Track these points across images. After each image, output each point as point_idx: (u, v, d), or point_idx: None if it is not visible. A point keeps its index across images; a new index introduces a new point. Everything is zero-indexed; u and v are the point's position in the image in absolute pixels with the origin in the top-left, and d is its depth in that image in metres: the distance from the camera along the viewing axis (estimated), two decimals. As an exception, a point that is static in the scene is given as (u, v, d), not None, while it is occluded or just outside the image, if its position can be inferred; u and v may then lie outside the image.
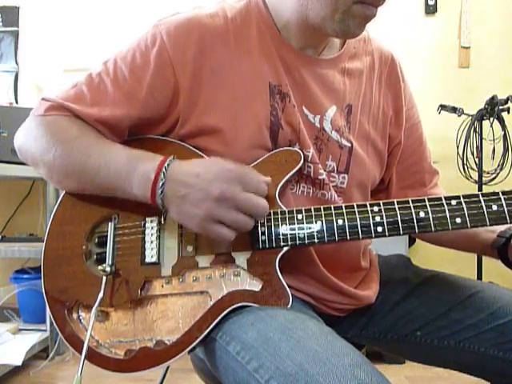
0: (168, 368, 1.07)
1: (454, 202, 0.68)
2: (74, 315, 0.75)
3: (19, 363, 1.83)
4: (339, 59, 0.83)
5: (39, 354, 2.07)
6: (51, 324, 2.05)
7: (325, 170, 0.81)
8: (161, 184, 0.67)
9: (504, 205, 0.67)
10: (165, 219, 0.74)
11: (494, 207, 0.67)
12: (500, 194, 0.68)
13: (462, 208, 0.67)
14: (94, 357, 0.71)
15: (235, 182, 0.65)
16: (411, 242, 2.12)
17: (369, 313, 0.88)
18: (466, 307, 0.82)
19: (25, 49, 2.77)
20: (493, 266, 0.85)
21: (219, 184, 0.64)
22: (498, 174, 2.15)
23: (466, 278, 0.89)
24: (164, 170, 0.67)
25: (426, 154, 0.96)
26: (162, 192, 0.67)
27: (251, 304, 0.69)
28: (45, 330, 2.10)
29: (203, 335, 0.68)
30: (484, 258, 0.85)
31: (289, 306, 0.68)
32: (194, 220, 0.66)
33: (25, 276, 2.20)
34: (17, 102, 2.67)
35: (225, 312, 0.69)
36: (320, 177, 0.79)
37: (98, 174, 0.72)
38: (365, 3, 0.71)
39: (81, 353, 0.69)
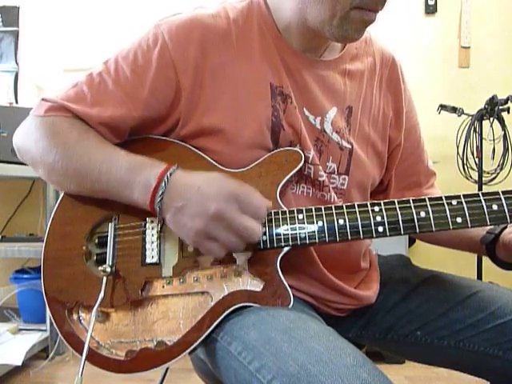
0: (168, 368, 1.07)
1: (454, 202, 0.68)
2: (75, 316, 0.75)
3: (19, 363, 1.83)
4: (340, 60, 0.83)
5: (39, 353, 2.07)
6: (51, 324, 2.05)
7: (325, 172, 0.81)
8: (161, 192, 0.67)
9: (504, 204, 0.67)
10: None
11: (495, 207, 0.67)
12: (500, 193, 0.68)
13: (463, 208, 0.67)
14: (95, 357, 0.71)
15: (234, 201, 0.64)
16: (411, 242, 2.12)
17: (369, 313, 0.88)
18: (466, 307, 0.82)
19: (25, 49, 2.77)
20: (493, 266, 0.85)
21: (217, 202, 0.64)
22: (498, 174, 2.15)
23: (466, 278, 0.89)
24: (166, 178, 0.67)
25: (424, 155, 0.96)
26: (160, 200, 0.67)
27: (252, 304, 0.69)
28: (45, 330, 2.10)
29: (204, 336, 0.68)
30: (484, 258, 0.86)
31: (290, 306, 0.68)
32: (187, 232, 0.66)
33: (25, 276, 2.20)
34: (17, 102, 2.67)
35: (226, 312, 0.69)
36: (320, 178, 0.80)
37: (99, 179, 0.71)
38: (363, 9, 0.70)
39: (81, 354, 0.69)
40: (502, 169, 2.15)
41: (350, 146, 0.82)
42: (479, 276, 2.12)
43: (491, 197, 0.68)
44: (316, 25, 0.74)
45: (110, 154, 0.73)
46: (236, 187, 0.66)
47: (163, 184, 0.67)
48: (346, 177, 0.83)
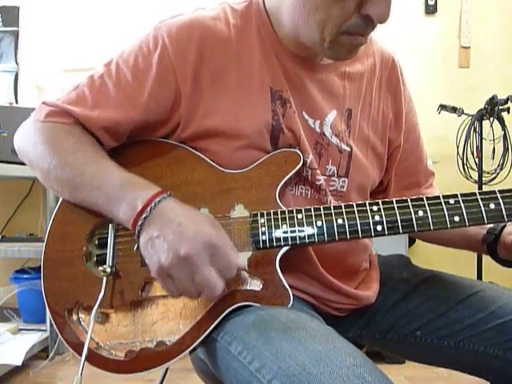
0: (168, 368, 1.07)
1: (452, 201, 0.68)
2: (74, 317, 0.75)
3: (19, 363, 1.83)
4: (339, 63, 0.83)
5: (39, 353, 2.07)
6: (51, 324, 2.05)
7: (325, 175, 0.81)
8: (144, 216, 0.65)
9: (501, 203, 0.67)
10: None
11: (492, 206, 0.67)
12: (497, 192, 0.68)
13: (460, 207, 0.68)
14: (94, 358, 0.71)
15: (207, 250, 0.62)
16: (411, 241, 2.12)
17: (369, 313, 0.88)
18: (466, 307, 0.82)
19: (25, 49, 2.77)
20: (493, 266, 0.85)
21: (191, 245, 0.62)
22: (498, 173, 2.15)
23: (466, 278, 0.89)
24: (153, 204, 0.66)
25: (423, 155, 0.97)
26: (141, 223, 0.65)
27: (252, 304, 0.69)
28: (45, 330, 2.10)
29: (204, 335, 0.68)
30: (484, 257, 0.86)
31: (289, 306, 0.68)
32: (152, 263, 0.64)
33: (25, 276, 2.20)
34: (17, 102, 2.67)
35: (225, 312, 0.69)
36: (317, 182, 0.80)
37: (90, 193, 0.71)
38: (351, 34, 0.71)
39: (81, 355, 0.69)
40: (502, 169, 2.15)
41: (349, 149, 0.83)
42: (479, 276, 2.12)
43: (488, 196, 0.68)
44: (309, 44, 0.75)
45: (104, 169, 0.72)
46: (215, 237, 0.64)
47: (149, 209, 0.65)
48: (346, 179, 0.83)
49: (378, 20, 0.68)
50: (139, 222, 0.66)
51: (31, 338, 2.02)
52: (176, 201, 0.68)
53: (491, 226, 0.83)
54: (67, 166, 0.73)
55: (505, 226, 0.82)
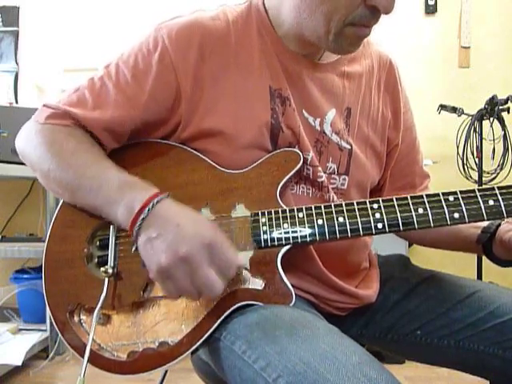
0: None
1: (451, 198, 0.69)
2: (76, 318, 0.75)
3: (19, 363, 1.83)
4: (338, 63, 0.84)
5: (39, 353, 2.07)
6: (51, 324, 2.05)
7: (325, 172, 0.81)
8: (142, 217, 0.65)
9: (500, 199, 0.68)
10: None
11: (491, 202, 0.68)
12: (496, 189, 0.69)
13: (460, 203, 0.69)
14: (97, 360, 0.71)
15: (206, 250, 0.62)
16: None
17: (369, 312, 0.88)
18: (466, 306, 0.82)
19: (25, 49, 2.77)
20: (493, 266, 0.85)
21: (190, 245, 0.62)
22: (497, 173, 2.15)
23: (466, 278, 0.89)
24: (151, 205, 0.66)
25: (419, 157, 0.97)
26: (140, 224, 0.66)
27: (254, 303, 0.69)
28: (45, 330, 2.10)
29: (207, 335, 0.68)
30: (484, 257, 0.86)
31: (291, 304, 0.68)
32: (151, 263, 0.64)
33: (25, 276, 2.20)
34: (17, 102, 2.67)
35: (228, 312, 0.69)
36: (319, 179, 0.80)
37: (89, 195, 0.71)
38: (356, 25, 0.71)
39: (83, 356, 0.68)
40: (502, 169, 2.15)
41: (349, 147, 0.83)
42: (479, 276, 2.12)
43: (487, 192, 0.69)
44: (313, 39, 0.75)
45: (103, 171, 0.72)
46: (214, 237, 0.64)
47: (147, 210, 0.65)
48: (346, 177, 0.83)
49: (384, 10, 0.69)
50: (137, 224, 0.66)
51: (31, 338, 2.02)
52: (174, 202, 0.68)
53: (485, 225, 0.84)
54: (67, 168, 0.73)
55: (499, 225, 0.82)
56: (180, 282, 0.63)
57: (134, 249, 0.68)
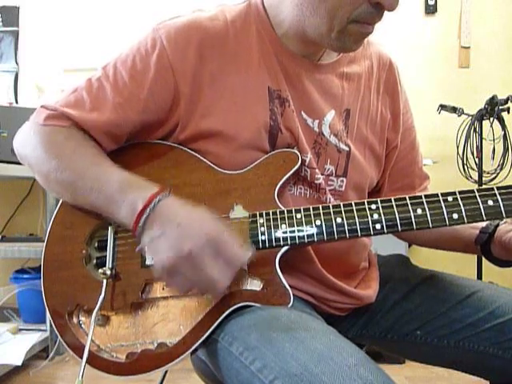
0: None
1: (450, 198, 0.69)
2: (75, 320, 0.75)
3: (19, 363, 1.82)
4: (338, 64, 0.84)
5: (39, 353, 2.07)
6: (51, 324, 2.04)
7: (323, 174, 0.81)
8: (144, 217, 0.66)
9: (499, 200, 0.68)
10: None
11: (490, 202, 0.68)
12: (495, 189, 0.69)
13: (458, 204, 0.68)
14: (95, 361, 0.71)
15: (210, 245, 0.62)
16: (411, 242, 2.11)
17: (369, 312, 0.88)
18: (465, 306, 0.82)
19: (25, 49, 2.77)
20: (493, 266, 0.85)
21: (193, 242, 0.62)
22: (497, 174, 2.15)
23: (466, 278, 0.89)
24: (153, 204, 0.66)
25: (418, 158, 0.97)
26: (142, 224, 0.66)
27: (252, 304, 0.69)
28: (45, 330, 2.10)
29: (205, 336, 0.68)
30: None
31: (290, 305, 0.68)
32: (156, 262, 0.64)
33: (25, 276, 2.20)
34: (17, 102, 2.67)
35: (226, 313, 0.69)
36: (316, 181, 0.80)
37: (90, 196, 0.71)
38: (360, 22, 0.71)
39: (81, 357, 0.68)
40: (502, 169, 2.15)
41: (347, 149, 0.83)
42: (479, 276, 2.12)
43: (486, 193, 0.68)
44: (315, 36, 0.74)
45: (104, 171, 0.72)
46: (216, 232, 0.64)
47: (148, 209, 0.66)
48: (344, 179, 0.83)
49: (388, 7, 0.69)
50: (140, 223, 0.66)
51: (31, 338, 2.02)
52: (176, 199, 0.68)
53: (484, 226, 0.83)
54: (67, 169, 0.73)
55: (498, 225, 0.82)
56: (186, 279, 0.63)
57: (137, 249, 0.68)
